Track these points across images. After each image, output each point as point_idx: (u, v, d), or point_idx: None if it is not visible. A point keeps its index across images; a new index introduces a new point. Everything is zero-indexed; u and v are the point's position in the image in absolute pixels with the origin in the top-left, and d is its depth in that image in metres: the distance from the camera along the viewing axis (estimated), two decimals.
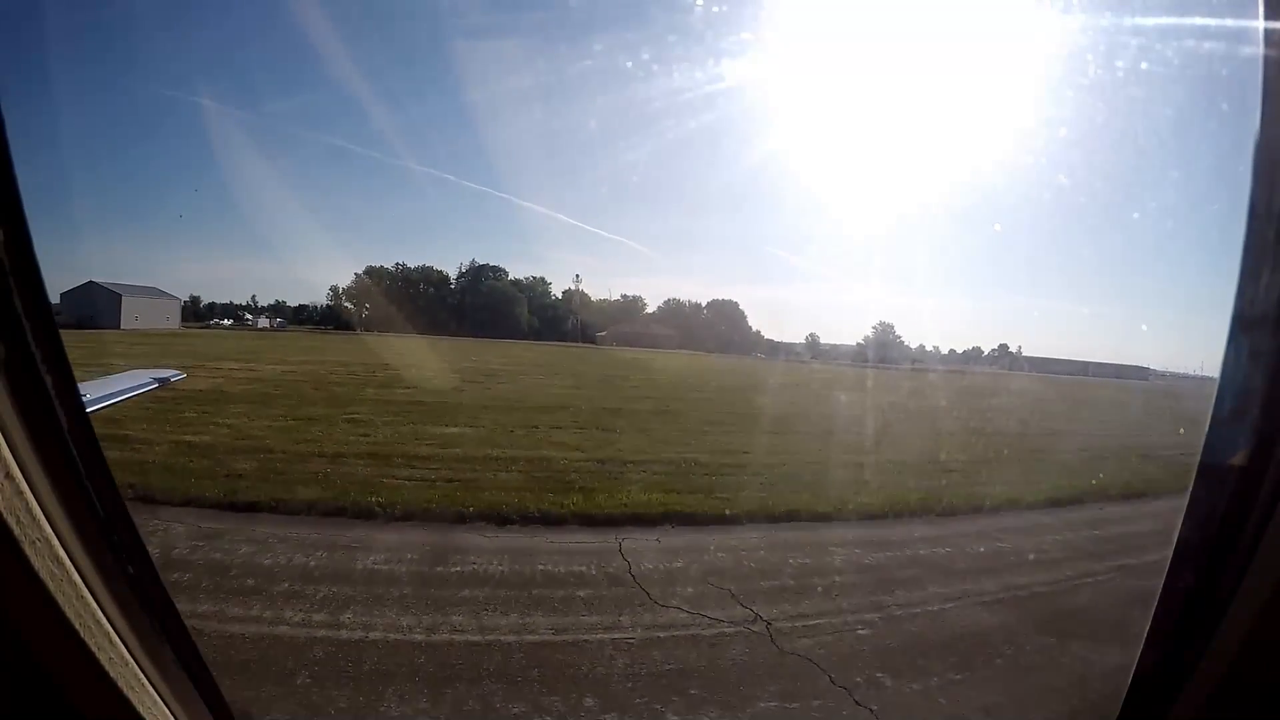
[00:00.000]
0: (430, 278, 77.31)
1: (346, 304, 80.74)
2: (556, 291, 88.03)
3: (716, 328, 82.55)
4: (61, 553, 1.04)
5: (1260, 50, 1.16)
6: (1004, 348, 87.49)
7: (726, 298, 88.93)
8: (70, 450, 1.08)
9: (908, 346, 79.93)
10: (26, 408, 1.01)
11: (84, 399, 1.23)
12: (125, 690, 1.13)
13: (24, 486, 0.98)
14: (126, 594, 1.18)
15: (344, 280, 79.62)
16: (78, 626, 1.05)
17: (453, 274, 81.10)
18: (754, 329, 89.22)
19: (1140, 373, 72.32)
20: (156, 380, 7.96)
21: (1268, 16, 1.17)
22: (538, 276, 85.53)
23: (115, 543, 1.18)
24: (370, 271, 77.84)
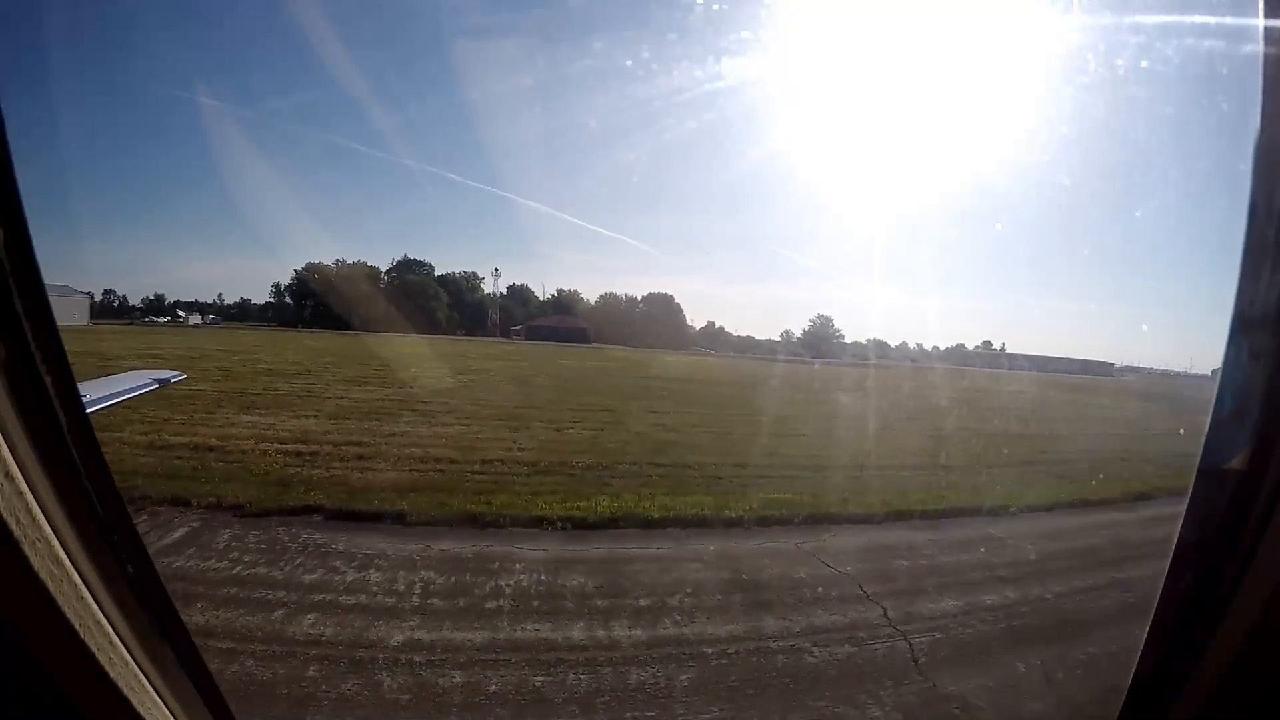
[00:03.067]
0: (362, 273, 76.94)
1: (288, 300, 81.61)
2: (502, 287, 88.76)
3: (653, 322, 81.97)
4: (61, 553, 1.04)
5: (1260, 48, 1.16)
6: (988, 344, 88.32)
7: (664, 291, 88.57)
8: (70, 450, 1.08)
9: (846, 340, 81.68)
10: (26, 408, 1.01)
11: (84, 399, 1.23)
12: (125, 690, 1.13)
13: (24, 486, 0.98)
14: (126, 594, 1.18)
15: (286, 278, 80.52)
16: (78, 626, 1.05)
17: (385, 269, 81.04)
18: (720, 325, 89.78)
19: (1104, 368, 74.00)
20: (157, 381, 7.97)
21: (1268, 14, 1.17)
22: (468, 272, 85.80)
23: (115, 543, 1.17)
24: (310, 268, 78.35)
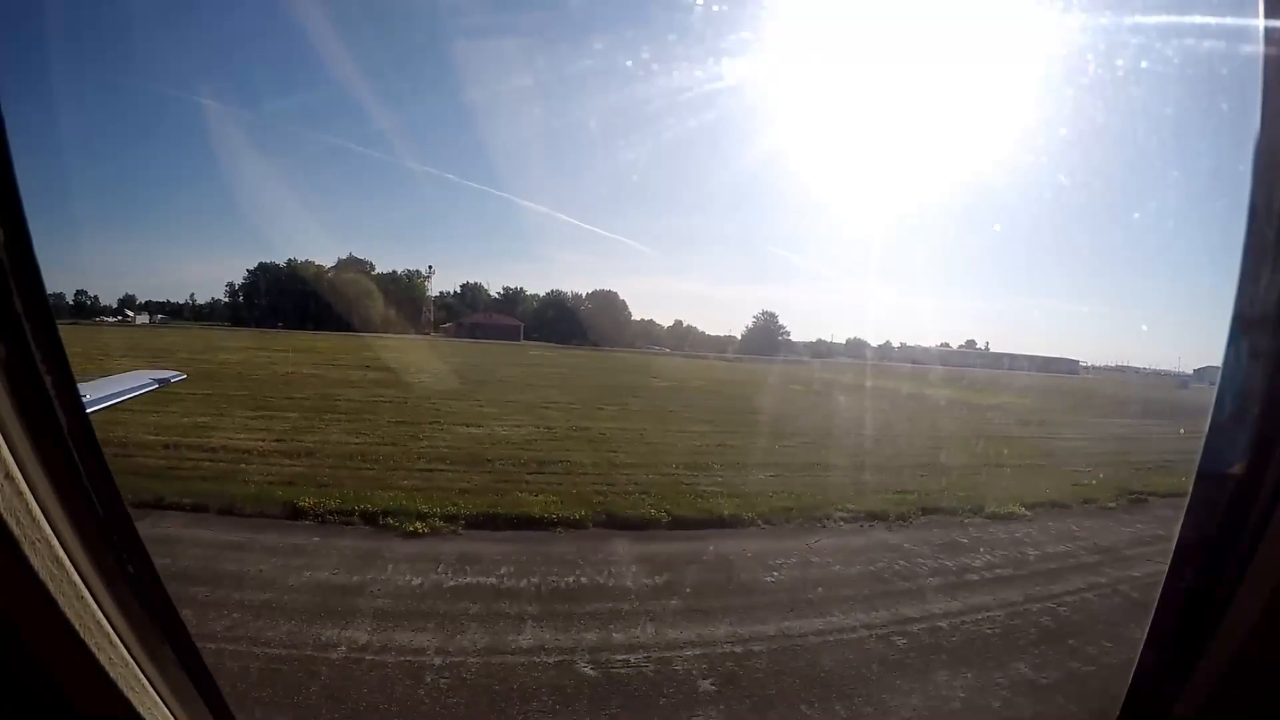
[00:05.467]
0: (308, 272, 76.82)
1: (240, 300, 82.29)
2: (456, 286, 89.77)
3: (597, 319, 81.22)
4: (61, 553, 1.04)
5: (1260, 49, 1.16)
6: (971, 343, 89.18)
7: (609, 289, 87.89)
8: (70, 450, 1.08)
9: (793, 339, 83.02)
10: (26, 408, 1.01)
11: (84, 399, 1.23)
12: (125, 690, 1.13)
13: (24, 486, 0.98)
14: (126, 594, 1.18)
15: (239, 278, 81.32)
16: (78, 626, 1.05)
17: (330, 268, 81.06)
18: (689, 324, 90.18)
19: (1069, 365, 75.68)
20: (157, 381, 7.96)
21: (1268, 15, 1.17)
22: (411, 270, 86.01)
23: (115, 543, 1.18)
24: (262, 267, 79.28)
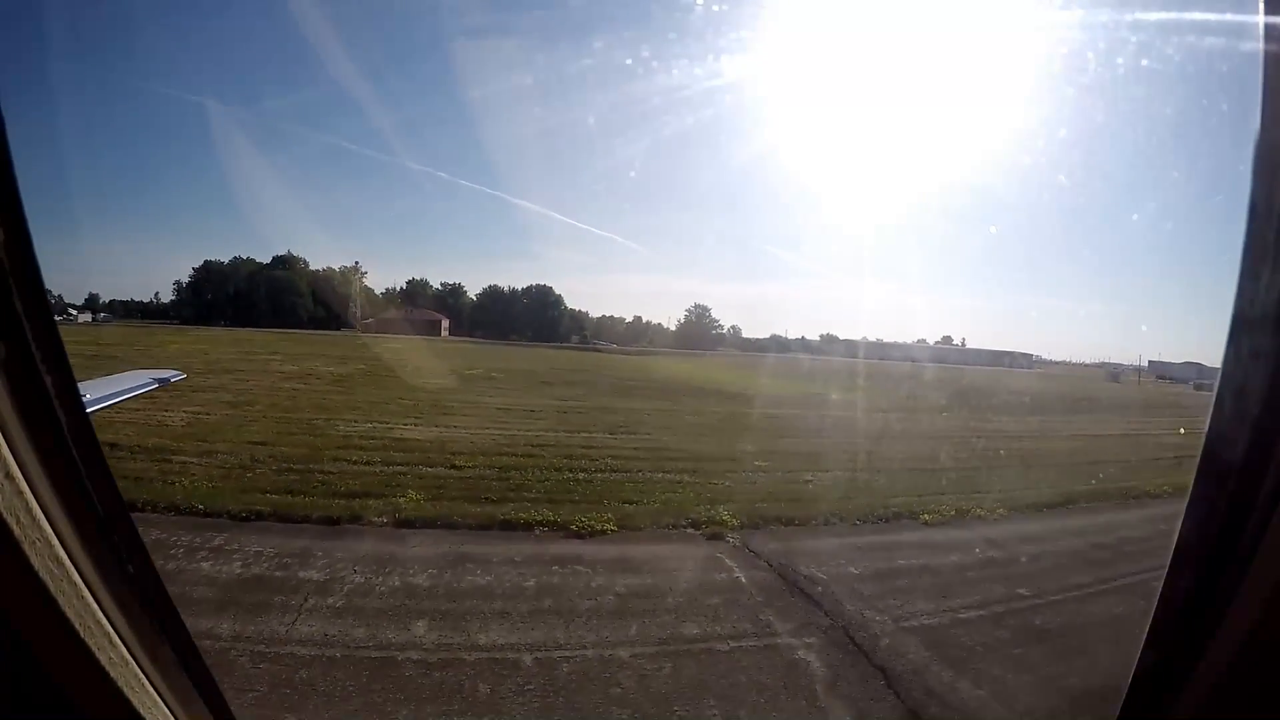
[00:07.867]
0: (247, 270, 78.08)
1: (187, 298, 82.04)
2: (397, 282, 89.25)
3: (534, 314, 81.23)
4: (61, 553, 1.04)
5: (1260, 46, 1.16)
6: (948, 339, 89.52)
7: (545, 284, 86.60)
8: (70, 450, 1.08)
9: (724, 331, 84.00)
10: (26, 408, 1.01)
11: (84, 399, 1.24)
12: (125, 690, 1.13)
13: (24, 486, 0.98)
14: (126, 594, 1.18)
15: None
16: (78, 626, 1.05)
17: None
18: (648, 320, 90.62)
19: (1024, 360, 76.88)
20: (157, 381, 7.98)
21: (1268, 11, 1.17)
22: (346, 266, 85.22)
23: (115, 542, 1.18)
24: (206, 266, 79.82)
